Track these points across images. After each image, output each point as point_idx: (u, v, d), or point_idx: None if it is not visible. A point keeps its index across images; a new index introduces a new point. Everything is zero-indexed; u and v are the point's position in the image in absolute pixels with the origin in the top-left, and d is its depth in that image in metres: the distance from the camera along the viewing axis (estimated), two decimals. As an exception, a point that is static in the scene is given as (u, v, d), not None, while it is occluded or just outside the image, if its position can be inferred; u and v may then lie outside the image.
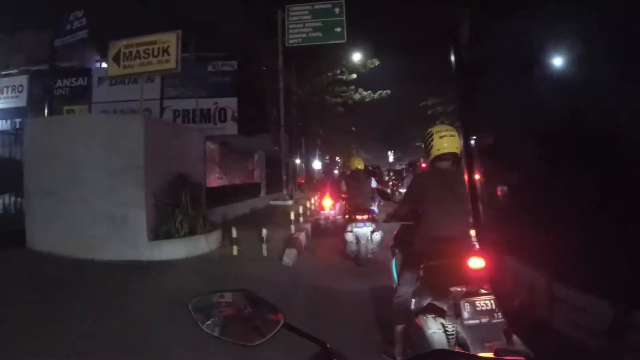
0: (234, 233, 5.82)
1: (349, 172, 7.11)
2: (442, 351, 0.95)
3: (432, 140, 2.44)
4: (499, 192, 0.64)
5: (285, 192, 13.77)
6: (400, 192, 12.35)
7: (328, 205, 8.70)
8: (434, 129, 2.50)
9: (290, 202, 12.59)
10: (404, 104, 33.12)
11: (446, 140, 2.41)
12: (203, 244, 5.89)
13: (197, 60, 17.21)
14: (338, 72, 19.95)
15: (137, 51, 7.46)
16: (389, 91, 21.75)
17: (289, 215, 7.57)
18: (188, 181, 6.20)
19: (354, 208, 6.05)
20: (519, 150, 0.57)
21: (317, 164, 29.04)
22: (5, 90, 17.39)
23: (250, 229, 6.78)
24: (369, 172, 8.04)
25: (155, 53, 7.38)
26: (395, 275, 2.99)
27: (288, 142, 17.59)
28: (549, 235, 0.47)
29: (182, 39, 7.48)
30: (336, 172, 31.63)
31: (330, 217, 8.69)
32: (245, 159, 12.71)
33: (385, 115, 36.24)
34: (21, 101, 17.05)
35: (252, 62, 16.88)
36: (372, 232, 5.74)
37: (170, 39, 7.37)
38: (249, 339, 0.94)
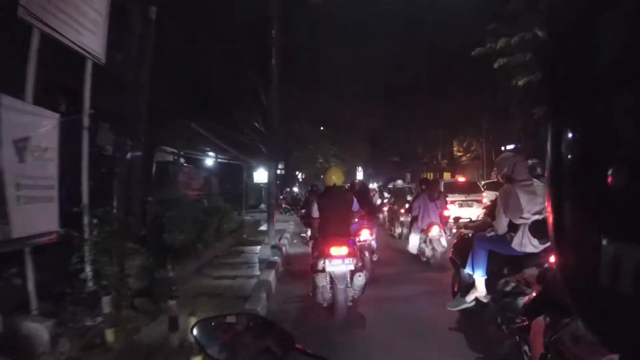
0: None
1: (323, 189, 5.41)
2: None
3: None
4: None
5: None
6: (403, 220, 9.43)
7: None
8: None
9: None
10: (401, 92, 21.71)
11: None
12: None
13: None
14: None
15: None
16: None
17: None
18: None
19: (329, 238, 4.32)
20: None
21: (260, 174, 16.74)
22: None
23: None
24: (354, 191, 6.49)
25: None
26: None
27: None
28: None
29: None
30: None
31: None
32: None
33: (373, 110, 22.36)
34: None
35: None
36: (353, 272, 4.20)
37: None
38: None
